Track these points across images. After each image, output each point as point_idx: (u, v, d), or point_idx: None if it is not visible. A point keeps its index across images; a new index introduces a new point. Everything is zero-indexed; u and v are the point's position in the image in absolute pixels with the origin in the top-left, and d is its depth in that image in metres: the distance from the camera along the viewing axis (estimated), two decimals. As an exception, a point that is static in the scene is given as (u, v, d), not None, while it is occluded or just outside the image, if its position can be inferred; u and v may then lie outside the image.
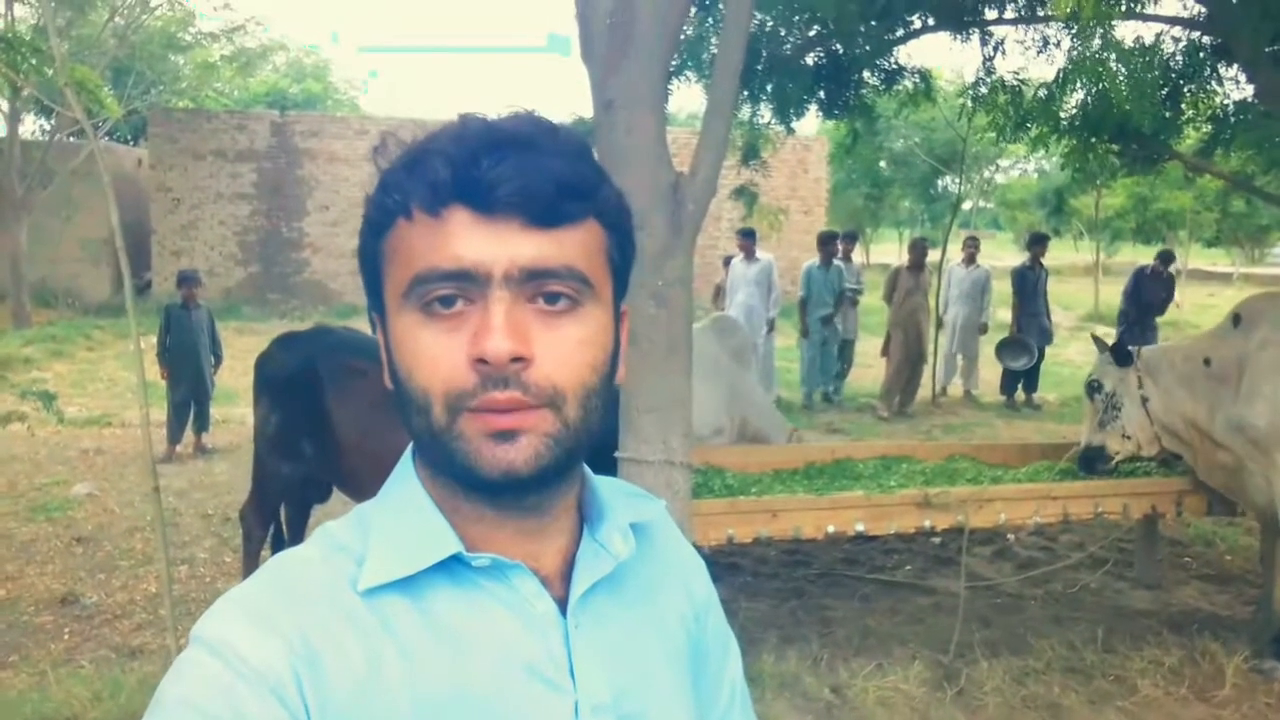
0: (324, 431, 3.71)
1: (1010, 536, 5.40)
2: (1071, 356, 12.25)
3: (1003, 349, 8.85)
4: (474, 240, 0.63)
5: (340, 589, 0.65)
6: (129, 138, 17.41)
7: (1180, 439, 4.05)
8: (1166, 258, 9.42)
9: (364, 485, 3.80)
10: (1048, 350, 9.46)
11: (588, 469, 0.75)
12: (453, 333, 0.63)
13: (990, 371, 9.44)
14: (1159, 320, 9.34)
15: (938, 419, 8.65)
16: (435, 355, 0.63)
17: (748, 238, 8.69)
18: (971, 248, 9.42)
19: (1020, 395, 9.17)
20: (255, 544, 4.13)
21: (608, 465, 2.86)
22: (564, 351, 0.64)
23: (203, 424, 7.06)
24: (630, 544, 0.73)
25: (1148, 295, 9.03)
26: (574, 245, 0.65)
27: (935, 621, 4.15)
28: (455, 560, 0.66)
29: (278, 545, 4.21)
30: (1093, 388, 4.29)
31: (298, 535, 4.32)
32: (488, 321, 0.62)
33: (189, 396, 6.86)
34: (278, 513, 4.16)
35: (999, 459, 4.78)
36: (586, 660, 0.69)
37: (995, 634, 4.11)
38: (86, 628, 4.14)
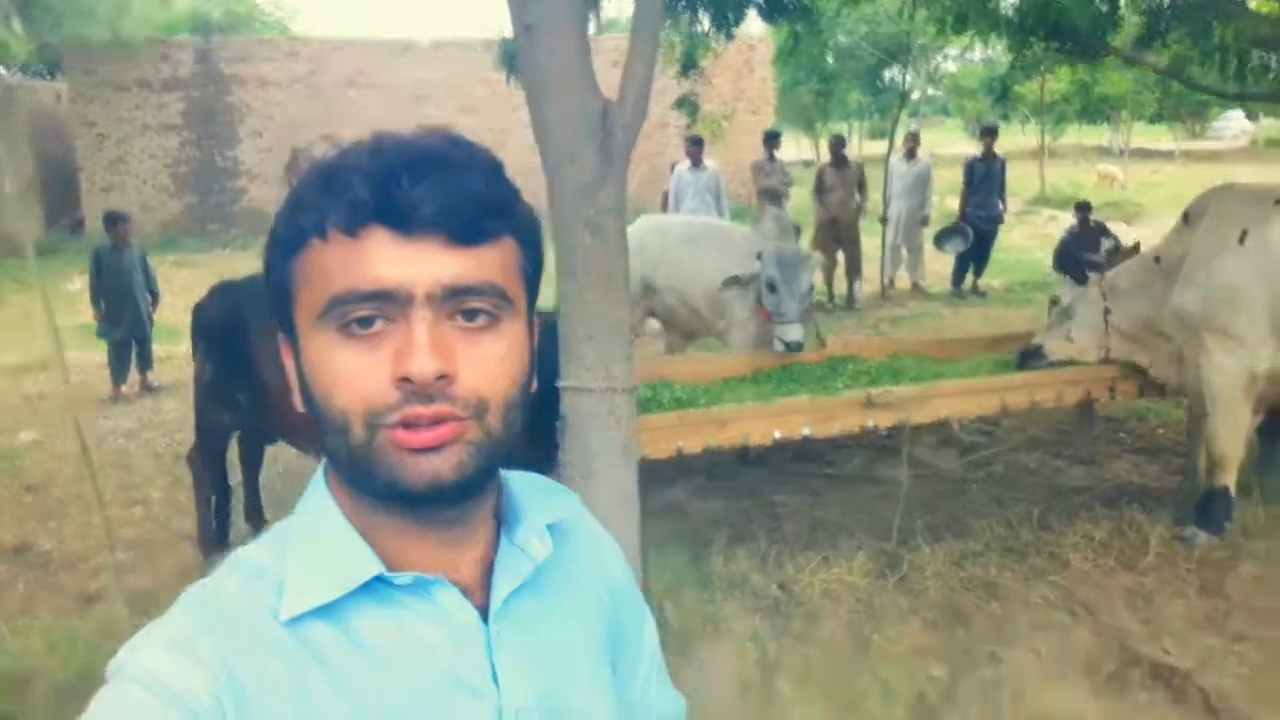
0: (257, 383, 3.67)
1: (955, 424, 5.56)
2: (1017, 241, 12.40)
3: (940, 237, 8.97)
4: (395, 261, 0.63)
5: (262, 618, 0.65)
6: (46, 73, 16.55)
7: (1137, 342, 4.17)
8: (1084, 208, 9.32)
9: (299, 436, 3.80)
10: (999, 236, 9.57)
11: (502, 471, 0.76)
12: (372, 352, 0.63)
13: (941, 262, 9.55)
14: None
15: (885, 311, 8.77)
16: (354, 375, 0.63)
17: (695, 145, 8.56)
18: (911, 143, 9.43)
19: (969, 281, 9.30)
20: (205, 489, 4.14)
21: (551, 398, 2.88)
22: (486, 367, 0.65)
23: (146, 362, 6.96)
24: (547, 545, 0.75)
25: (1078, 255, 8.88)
26: (492, 262, 0.66)
27: (881, 510, 4.29)
28: (377, 579, 0.67)
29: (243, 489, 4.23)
30: (1053, 301, 4.46)
31: (253, 474, 4.33)
32: (411, 341, 0.62)
33: (128, 336, 6.74)
34: (224, 456, 4.15)
35: (942, 354, 4.88)
36: (509, 665, 0.70)
37: (938, 518, 4.27)
38: (42, 576, 4.15)
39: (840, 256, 8.88)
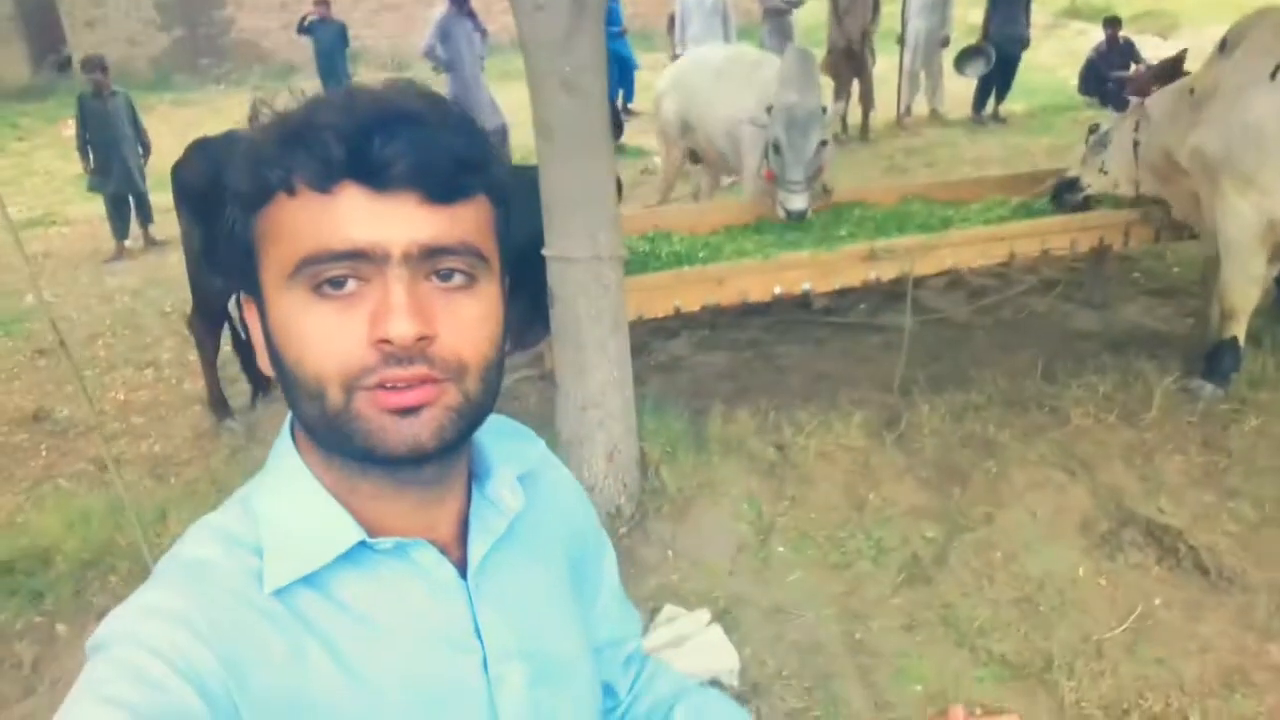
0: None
1: (965, 268, 5.44)
2: (1043, 59, 11.72)
3: (960, 59, 8.47)
4: (369, 220, 0.61)
5: (248, 586, 0.64)
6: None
7: (1163, 178, 3.97)
8: (1113, 23, 8.64)
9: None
10: (1024, 56, 9.01)
11: None
12: (346, 313, 0.61)
13: (961, 85, 9.06)
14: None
15: (900, 141, 8.44)
16: (329, 337, 0.61)
17: None
18: None
19: (990, 107, 8.87)
20: (208, 351, 4.16)
21: (537, 265, 2.80)
22: (464, 328, 0.64)
23: (146, 216, 6.86)
24: (519, 498, 0.75)
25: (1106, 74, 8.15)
26: (468, 221, 0.65)
27: (885, 360, 4.26)
28: (358, 545, 0.66)
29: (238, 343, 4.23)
30: (1091, 129, 4.21)
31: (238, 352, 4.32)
32: (389, 302, 0.60)
33: (123, 190, 6.60)
34: (224, 316, 4.13)
35: (953, 197, 4.71)
36: (489, 616, 0.71)
37: (942, 369, 4.24)
38: (62, 443, 4.24)
39: (855, 85, 8.45)
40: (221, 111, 11.29)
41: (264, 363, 0.68)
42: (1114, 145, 4.00)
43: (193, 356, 4.99)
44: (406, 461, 0.64)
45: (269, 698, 0.61)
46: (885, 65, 8.84)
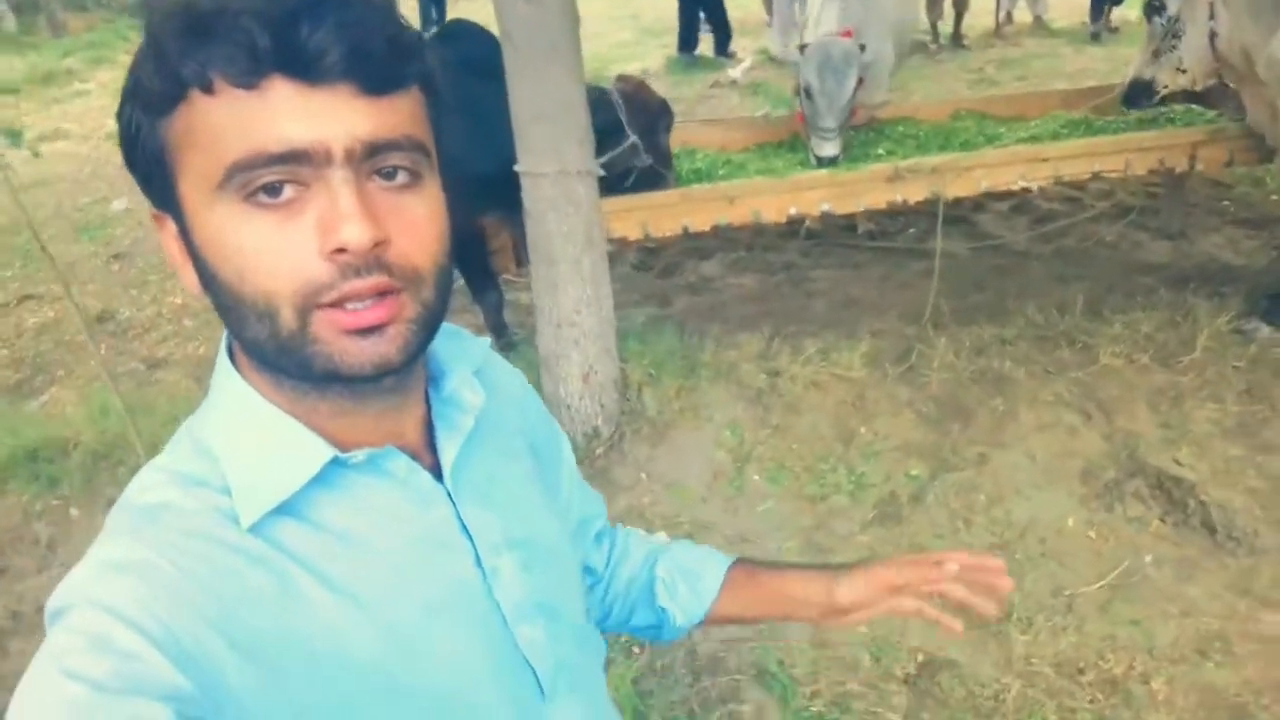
0: None
1: (1034, 188, 5.05)
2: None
3: None
4: (303, 116, 0.55)
5: (219, 526, 0.60)
6: None
7: (1238, 78, 3.54)
8: None
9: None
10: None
11: None
12: (288, 223, 0.57)
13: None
14: None
15: (995, 53, 7.84)
16: (273, 252, 0.56)
17: None
18: None
19: (1106, 13, 8.11)
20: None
21: (511, 183, 2.74)
22: (415, 230, 0.60)
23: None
24: (479, 393, 0.74)
25: None
26: (407, 113, 0.60)
27: (925, 287, 4.04)
28: (330, 463, 0.64)
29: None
30: (1154, 8, 3.69)
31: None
32: (337, 206, 0.56)
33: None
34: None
35: (1012, 112, 4.36)
36: (472, 512, 0.71)
37: (984, 299, 4.00)
38: (120, 343, 4.50)
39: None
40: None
41: (190, 282, 0.62)
42: (1188, 37, 3.52)
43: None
44: (374, 380, 0.61)
45: (264, 641, 0.58)
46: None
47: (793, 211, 3.53)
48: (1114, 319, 3.50)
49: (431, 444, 0.71)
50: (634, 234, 3.43)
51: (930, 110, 4.38)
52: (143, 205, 6.17)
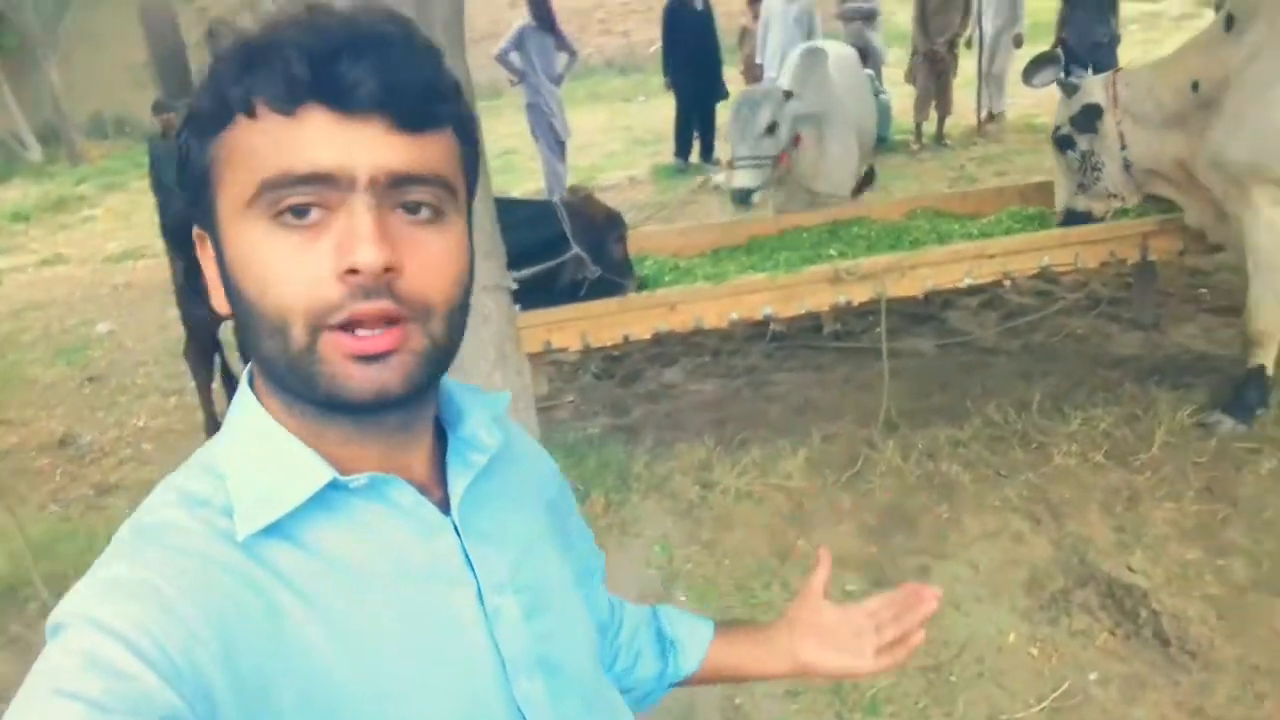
0: None
1: (1006, 283, 4.98)
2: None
3: (1029, 69, 7.81)
4: (335, 142, 0.58)
5: (217, 548, 0.61)
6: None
7: (1168, 181, 3.51)
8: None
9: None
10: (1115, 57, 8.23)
11: None
12: (310, 244, 0.59)
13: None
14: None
15: (977, 150, 7.90)
16: (292, 269, 0.59)
17: None
18: None
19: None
20: (202, 379, 4.31)
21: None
22: (431, 265, 0.62)
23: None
24: (496, 437, 0.74)
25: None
26: (437, 152, 0.63)
27: (890, 389, 3.94)
28: (330, 488, 0.63)
29: (226, 376, 4.37)
30: (1064, 143, 3.73)
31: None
32: (354, 229, 0.58)
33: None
34: (214, 346, 4.26)
35: (967, 209, 4.33)
36: (478, 549, 0.70)
37: (945, 398, 3.89)
38: (77, 468, 4.47)
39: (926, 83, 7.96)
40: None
41: (219, 302, 0.65)
42: (1106, 168, 3.54)
43: (216, 384, 5.22)
44: (374, 408, 0.62)
45: (255, 665, 0.57)
46: (970, 69, 8.32)
47: (734, 316, 3.47)
48: (1073, 416, 3.37)
49: (442, 480, 0.71)
50: (574, 344, 3.39)
51: (885, 209, 4.36)
52: (125, 327, 6.29)
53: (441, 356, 0.64)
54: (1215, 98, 3.15)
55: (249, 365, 0.68)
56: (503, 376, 2.72)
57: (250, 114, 0.59)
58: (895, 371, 4.11)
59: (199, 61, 14.00)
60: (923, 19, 7.88)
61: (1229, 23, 3.19)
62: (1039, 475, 3.06)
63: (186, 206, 0.66)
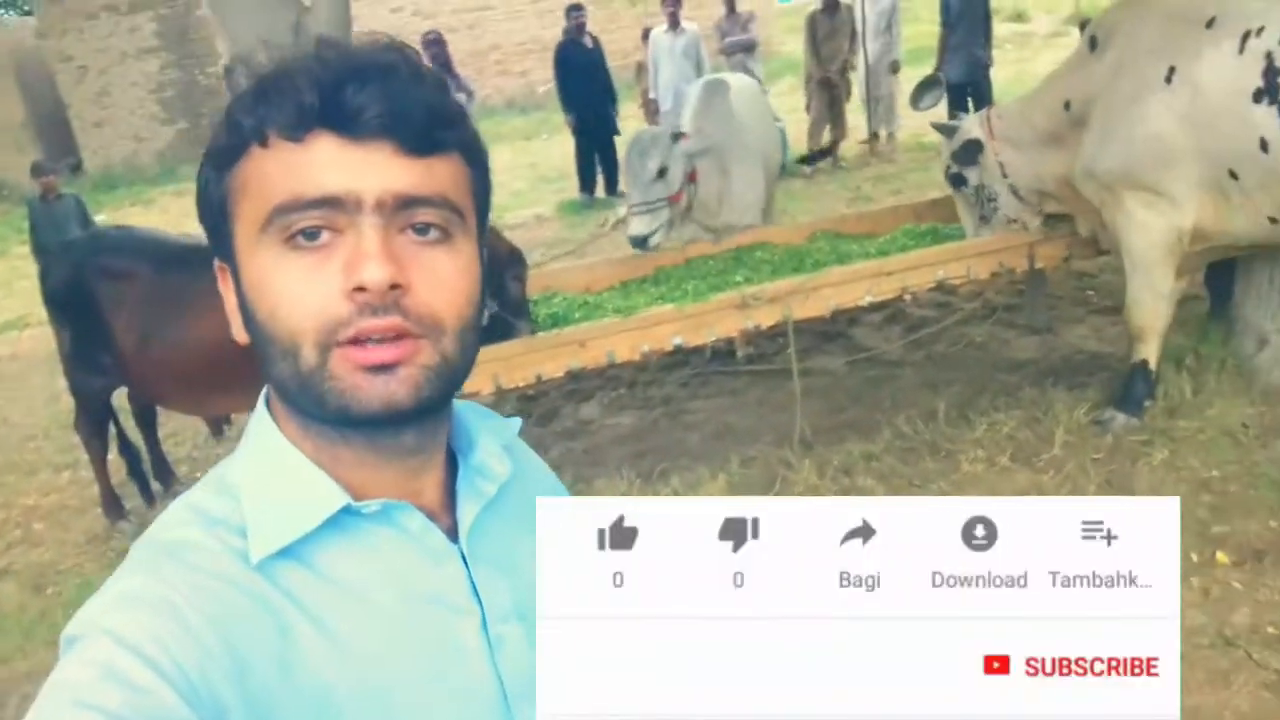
0: (110, 341, 3.55)
1: (907, 297, 5.13)
2: (1044, 70, 11.32)
3: (915, 94, 8.14)
4: (342, 167, 0.61)
5: (232, 566, 0.61)
6: (22, 7, 16.31)
7: (1056, 198, 3.69)
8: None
9: (155, 392, 3.68)
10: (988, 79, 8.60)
11: None
12: (320, 266, 0.61)
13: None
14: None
15: (871, 171, 8.16)
16: (302, 290, 0.61)
17: (673, 4, 7.89)
18: None
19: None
20: (96, 452, 4.11)
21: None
22: (439, 282, 0.63)
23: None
24: (507, 465, 0.74)
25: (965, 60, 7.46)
26: (443, 175, 0.64)
27: (804, 407, 4.00)
28: (342, 511, 0.64)
29: (124, 446, 4.18)
30: (956, 181, 3.90)
31: (150, 433, 4.27)
32: (362, 248, 0.60)
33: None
34: (108, 416, 4.07)
35: (865, 229, 4.46)
36: (485, 577, 0.70)
37: (857, 413, 3.98)
38: (-42, 555, 4.20)
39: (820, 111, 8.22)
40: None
41: (238, 331, 0.66)
42: (1001, 197, 3.72)
43: (112, 455, 4.98)
44: (383, 422, 0.63)
45: (264, 685, 0.58)
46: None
47: (645, 349, 3.48)
48: (978, 422, 3.48)
49: (452, 506, 0.72)
50: (485, 388, 3.34)
51: (786, 233, 4.45)
52: (11, 401, 5.97)
53: (452, 374, 0.65)
54: (1086, 114, 3.33)
55: (265, 387, 0.70)
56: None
57: (263, 143, 0.62)
58: (808, 390, 4.19)
59: (79, 119, 13.52)
60: (814, 47, 8.17)
61: (1093, 44, 3.38)
62: (950, 483, 3.13)
63: (208, 240, 0.68)
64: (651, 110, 8.29)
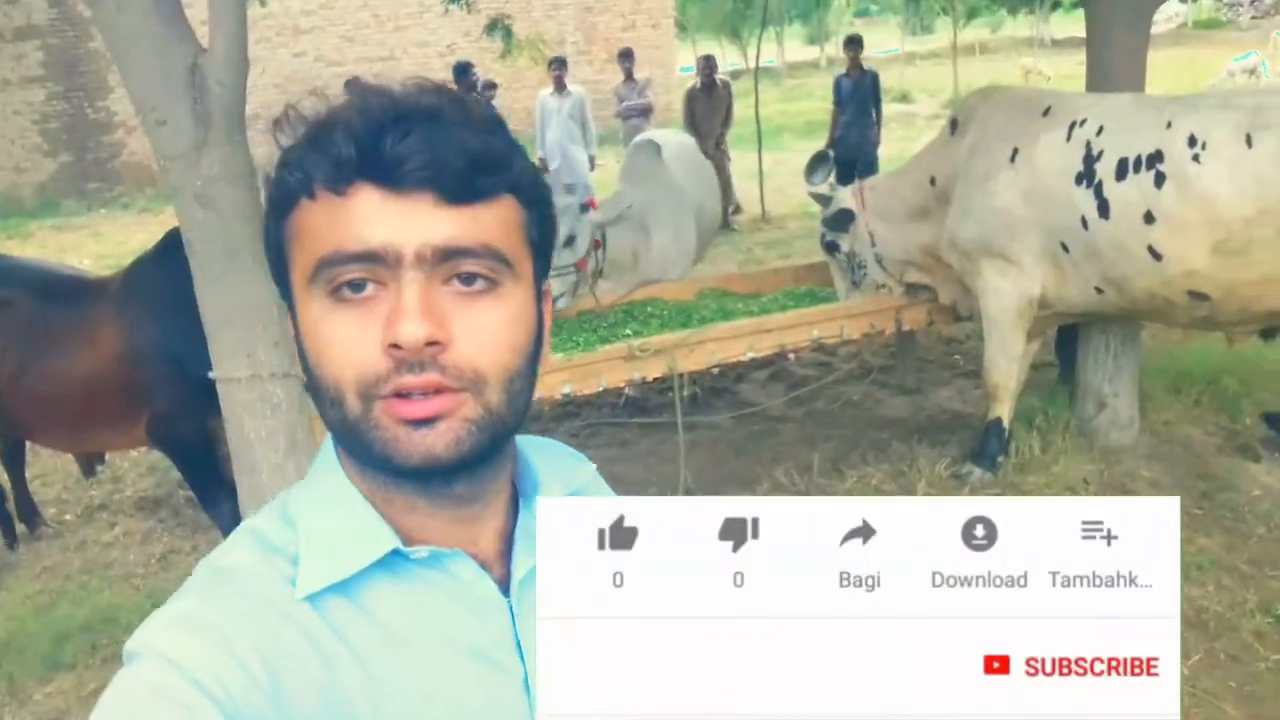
0: None
1: (790, 356, 5.37)
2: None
3: (807, 168, 8.61)
4: (382, 220, 0.60)
5: (283, 595, 0.62)
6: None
7: (919, 268, 3.98)
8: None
9: (28, 426, 3.55)
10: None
11: (517, 439, 0.73)
12: (363, 319, 0.61)
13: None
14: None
15: (763, 235, 8.53)
16: (345, 342, 0.61)
17: (558, 67, 8.22)
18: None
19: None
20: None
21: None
22: (483, 334, 0.62)
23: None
24: None
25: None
26: (490, 223, 0.63)
27: (690, 460, 4.13)
28: (393, 554, 0.65)
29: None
30: (830, 247, 4.18)
31: (16, 473, 4.08)
32: (400, 305, 0.60)
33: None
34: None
35: (749, 288, 4.68)
36: (529, 632, 0.67)
37: (739, 465, 4.13)
38: None
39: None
40: (102, 234, 11.19)
41: (299, 369, 0.68)
42: (870, 264, 4.02)
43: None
44: (426, 474, 0.63)
45: (308, 713, 0.59)
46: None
47: (537, 396, 3.56)
48: (850, 474, 3.68)
49: (509, 557, 0.70)
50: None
51: (677, 290, 4.63)
52: None
53: (498, 425, 0.64)
54: (948, 189, 3.64)
55: None
56: (296, 465, 2.68)
57: (310, 196, 0.62)
58: (694, 443, 4.35)
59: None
60: (692, 122, 8.59)
61: (954, 126, 3.71)
62: (821, 531, 3.29)
63: (272, 276, 0.70)
64: (541, 169, 8.52)
